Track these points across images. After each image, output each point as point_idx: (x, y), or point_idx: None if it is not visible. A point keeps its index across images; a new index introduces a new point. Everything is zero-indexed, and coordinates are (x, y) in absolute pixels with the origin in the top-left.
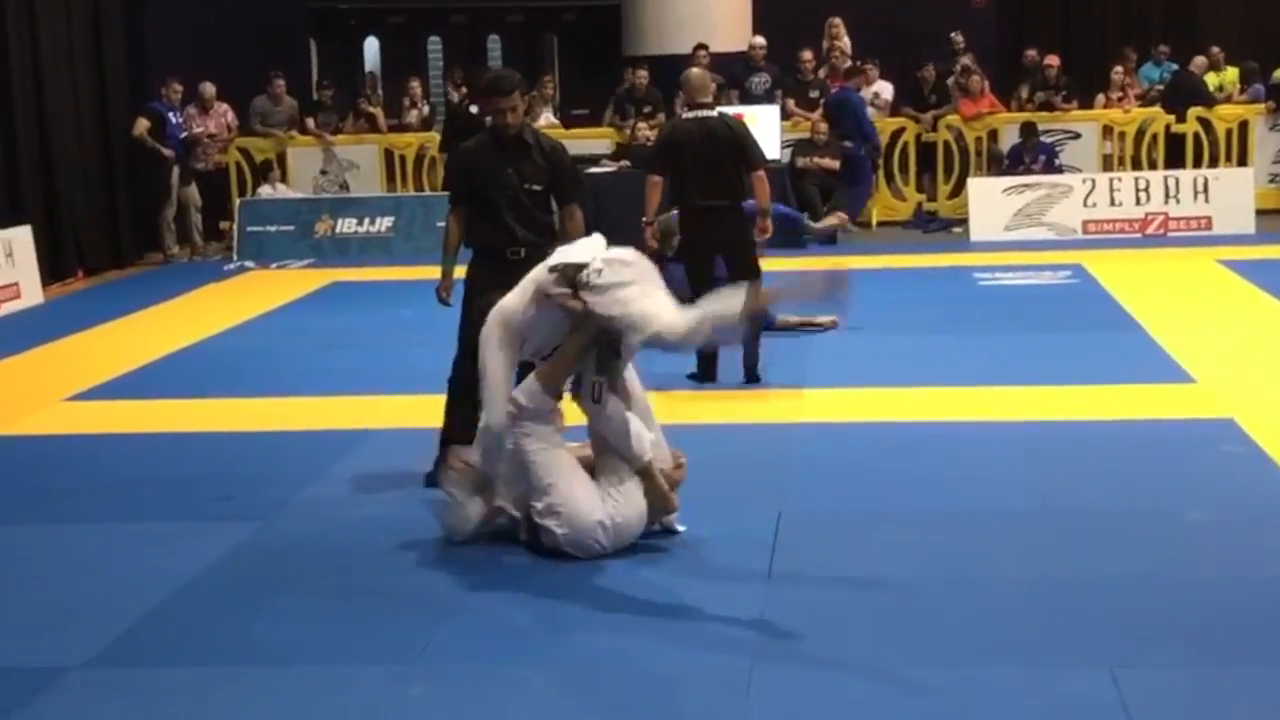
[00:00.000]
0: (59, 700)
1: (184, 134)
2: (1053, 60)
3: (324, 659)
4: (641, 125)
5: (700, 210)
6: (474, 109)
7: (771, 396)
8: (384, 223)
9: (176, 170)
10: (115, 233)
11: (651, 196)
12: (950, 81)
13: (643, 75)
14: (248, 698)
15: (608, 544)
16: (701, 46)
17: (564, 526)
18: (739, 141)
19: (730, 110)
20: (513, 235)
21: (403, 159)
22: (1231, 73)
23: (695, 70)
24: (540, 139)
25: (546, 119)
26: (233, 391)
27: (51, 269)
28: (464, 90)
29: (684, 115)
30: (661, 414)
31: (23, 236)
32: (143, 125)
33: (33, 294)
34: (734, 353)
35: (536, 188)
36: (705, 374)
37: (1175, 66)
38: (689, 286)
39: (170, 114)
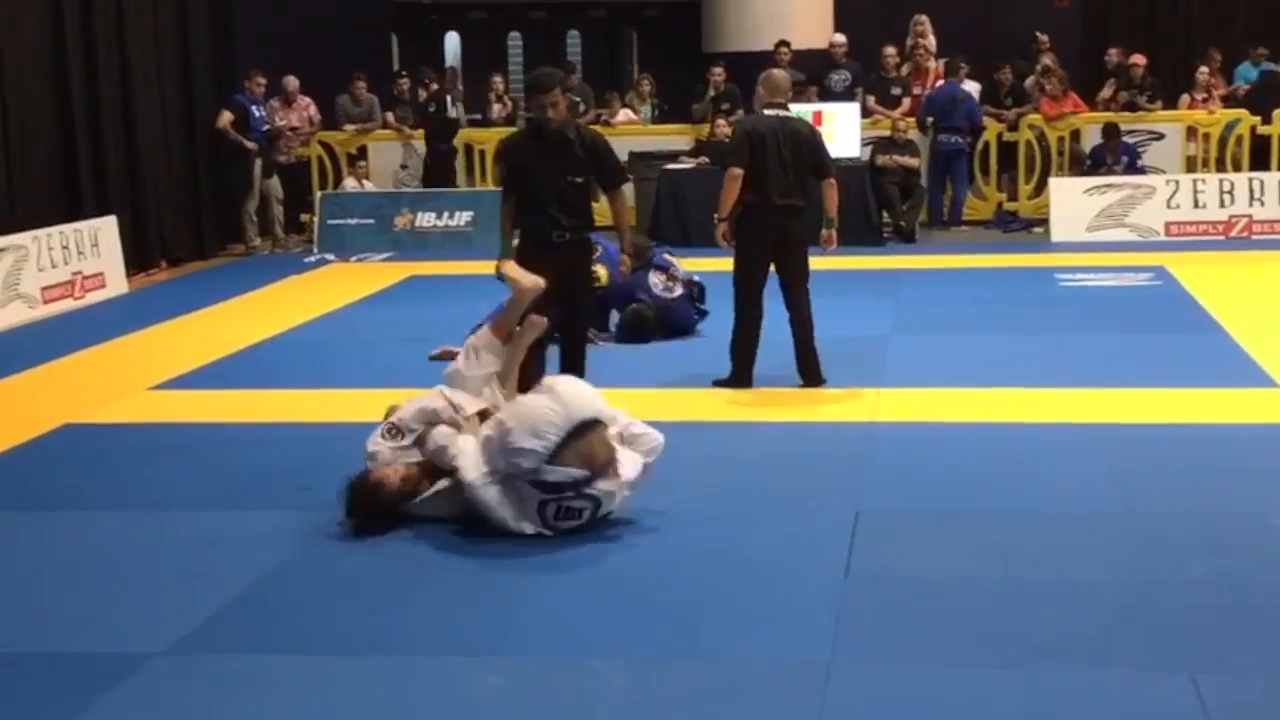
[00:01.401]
0: (142, 686)
1: (266, 127)
2: (1138, 60)
3: (404, 649)
4: (720, 122)
5: (775, 208)
6: (432, 108)
7: (850, 395)
8: (463, 217)
9: (259, 163)
10: (198, 224)
11: (731, 190)
12: (1031, 81)
13: (719, 73)
14: (329, 687)
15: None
16: (783, 43)
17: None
18: (818, 147)
19: (810, 108)
20: (557, 223)
21: (482, 153)
22: None
23: (779, 70)
24: (581, 132)
25: (626, 115)
26: (314, 383)
27: (136, 259)
28: (434, 89)
29: (764, 112)
30: (738, 412)
31: (108, 227)
32: (226, 118)
33: (117, 284)
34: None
35: (578, 179)
36: (739, 379)
37: (1274, 68)
38: (735, 286)
39: (253, 107)
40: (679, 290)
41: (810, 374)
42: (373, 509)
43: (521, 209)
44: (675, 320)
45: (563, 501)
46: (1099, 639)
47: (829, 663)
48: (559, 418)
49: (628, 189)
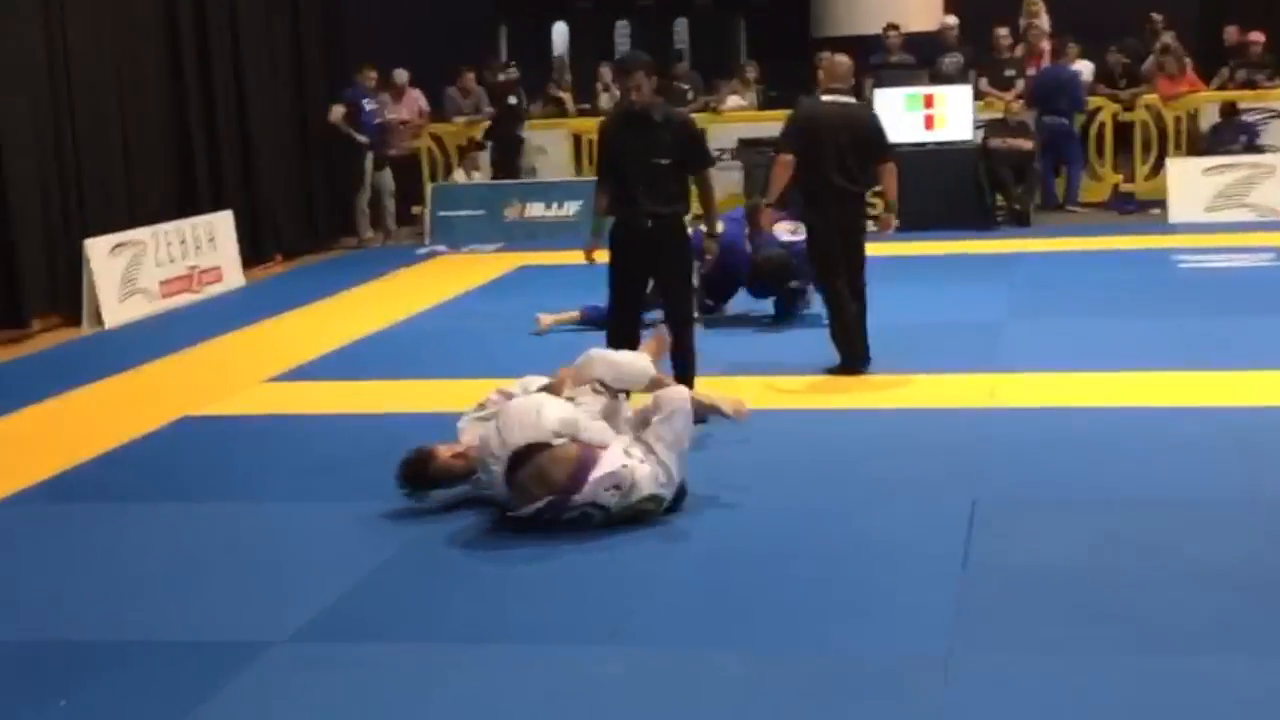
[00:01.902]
0: (265, 673)
1: (377, 120)
2: (1257, 37)
3: (522, 637)
4: None
5: (834, 192)
6: (513, 100)
7: (966, 381)
8: (571, 207)
9: (370, 156)
10: (312, 217)
11: (780, 177)
12: (1151, 61)
13: (828, 58)
14: (450, 674)
15: None
16: (892, 27)
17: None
18: (877, 130)
19: (921, 91)
20: (639, 207)
21: (591, 143)
22: None
23: (841, 56)
24: (669, 115)
25: (735, 102)
26: (426, 374)
27: (252, 253)
28: (501, 79)
29: (822, 97)
30: (853, 398)
31: (224, 221)
32: (338, 112)
33: (234, 277)
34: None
35: (664, 161)
36: (850, 364)
37: None
38: (818, 274)
39: (364, 100)
40: (803, 234)
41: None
42: (417, 475)
43: (614, 192)
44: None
45: (557, 517)
46: (1224, 626)
47: (948, 654)
48: (497, 448)
49: (736, 175)
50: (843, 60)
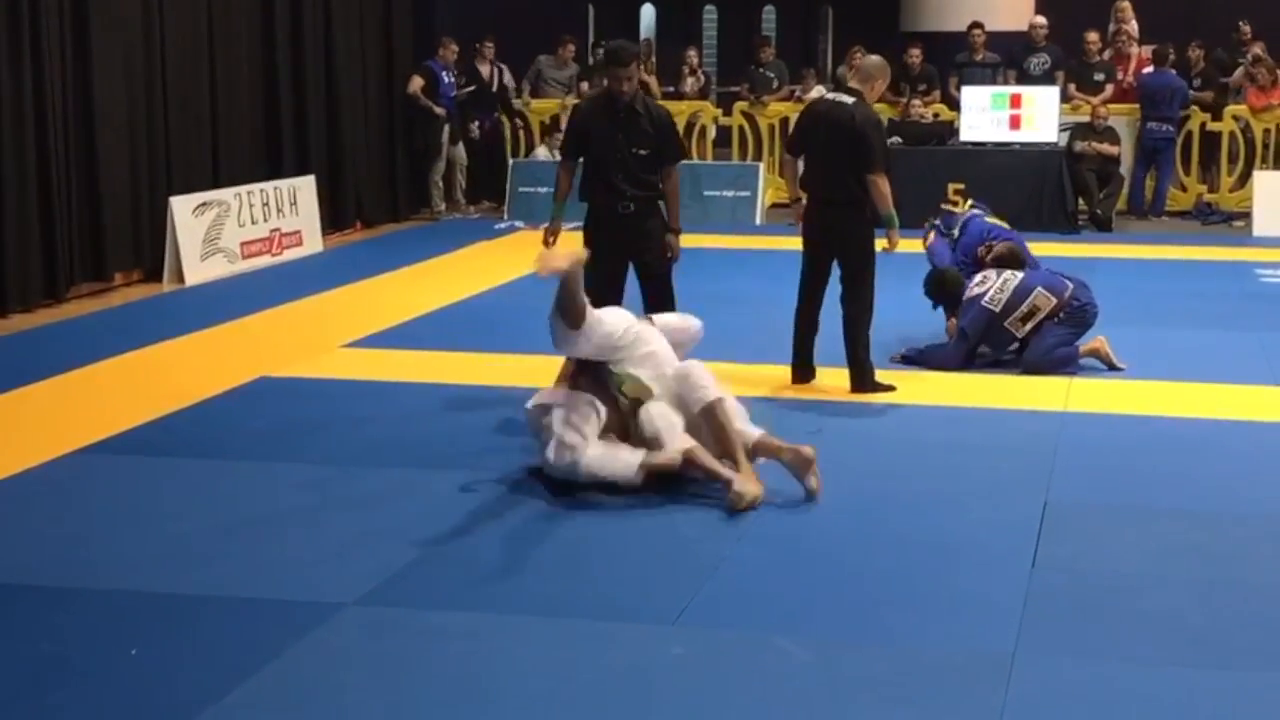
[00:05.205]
0: (333, 635)
1: (455, 93)
2: None
3: (588, 613)
4: (915, 102)
5: (815, 200)
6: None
7: (1041, 384)
8: None
9: (447, 129)
10: (393, 187)
11: (784, 175)
12: (1240, 72)
13: (916, 54)
14: (516, 645)
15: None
16: (977, 25)
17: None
18: (857, 136)
19: (1007, 91)
20: (623, 194)
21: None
22: None
23: (875, 57)
24: (650, 107)
25: (819, 92)
26: (501, 347)
27: (332, 219)
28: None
29: (825, 95)
30: (929, 395)
31: (307, 186)
32: (417, 83)
33: (313, 242)
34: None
35: (644, 152)
36: (793, 374)
37: None
38: (803, 279)
39: (444, 74)
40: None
41: (855, 379)
42: None
43: (589, 180)
44: None
45: None
46: None
47: (1013, 654)
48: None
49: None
50: (868, 58)
